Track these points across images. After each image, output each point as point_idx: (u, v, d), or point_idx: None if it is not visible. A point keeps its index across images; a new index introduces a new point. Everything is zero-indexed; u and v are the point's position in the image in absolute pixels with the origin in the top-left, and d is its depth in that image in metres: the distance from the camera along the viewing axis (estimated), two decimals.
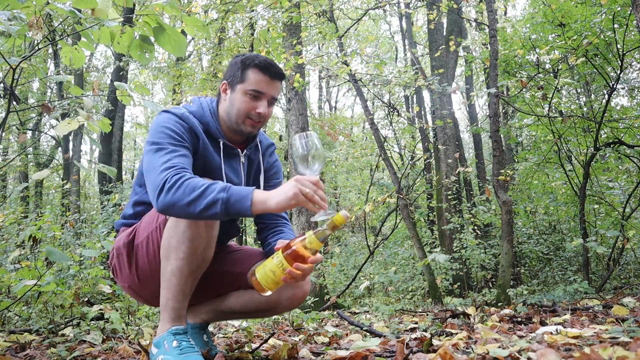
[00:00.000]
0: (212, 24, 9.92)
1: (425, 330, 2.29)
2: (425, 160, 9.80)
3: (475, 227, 7.98)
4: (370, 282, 7.99)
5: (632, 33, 5.09)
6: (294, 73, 6.78)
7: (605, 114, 5.18)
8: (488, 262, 7.49)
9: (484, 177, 10.41)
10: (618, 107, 7.04)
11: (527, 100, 6.48)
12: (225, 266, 1.71)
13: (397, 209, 6.55)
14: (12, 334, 2.37)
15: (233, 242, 1.89)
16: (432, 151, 9.26)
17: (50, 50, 10.66)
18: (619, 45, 4.83)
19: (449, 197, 8.27)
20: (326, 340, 2.19)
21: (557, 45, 5.59)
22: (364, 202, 8.46)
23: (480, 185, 10.26)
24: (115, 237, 1.80)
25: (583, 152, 6.11)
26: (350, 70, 6.45)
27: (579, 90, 8.64)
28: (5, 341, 2.12)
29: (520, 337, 1.77)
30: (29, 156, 13.19)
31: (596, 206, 6.79)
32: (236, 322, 3.04)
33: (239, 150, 1.65)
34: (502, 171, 4.25)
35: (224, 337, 2.46)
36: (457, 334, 1.94)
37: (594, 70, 5.67)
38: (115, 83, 2.65)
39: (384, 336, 2.08)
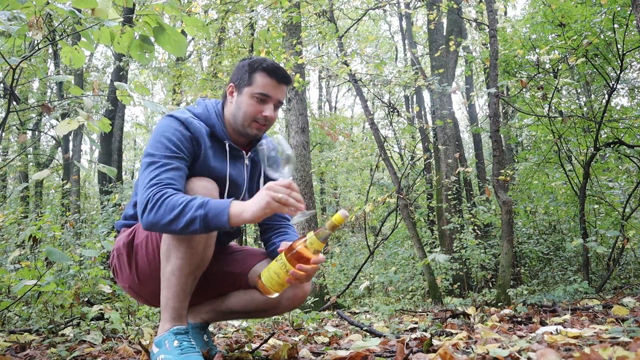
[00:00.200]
0: (212, 24, 9.93)
1: (425, 330, 2.29)
2: (425, 160, 9.80)
3: (475, 227, 7.98)
4: (370, 282, 8.00)
5: (632, 33, 5.09)
6: (294, 73, 6.79)
7: (605, 114, 5.18)
8: (488, 262, 7.49)
9: (484, 177, 10.41)
10: (618, 107, 7.03)
11: (527, 100, 6.48)
12: (226, 266, 1.71)
13: (397, 209, 6.55)
14: (12, 334, 2.37)
15: (234, 243, 1.90)
16: (432, 151, 9.26)
17: (50, 50, 10.66)
18: (619, 45, 4.83)
19: (449, 197, 8.27)
20: (326, 340, 2.18)
21: (557, 45, 5.59)
22: (364, 202, 8.47)
23: (480, 185, 10.26)
24: (115, 237, 1.80)
25: (583, 152, 6.11)
26: (350, 70, 6.45)
27: (579, 90, 8.63)
28: (5, 341, 2.12)
29: (520, 337, 1.77)
30: (29, 156, 13.19)
31: (596, 206, 6.79)
32: (236, 322, 3.04)
33: (243, 152, 1.66)
34: (502, 171, 4.25)
35: (224, 337, 2.46)
36: (457, 334, 1.94)
37: (594, 70, 5.67)
38: (115, 83, 2.65)
39: (384, 336, 2.08)
